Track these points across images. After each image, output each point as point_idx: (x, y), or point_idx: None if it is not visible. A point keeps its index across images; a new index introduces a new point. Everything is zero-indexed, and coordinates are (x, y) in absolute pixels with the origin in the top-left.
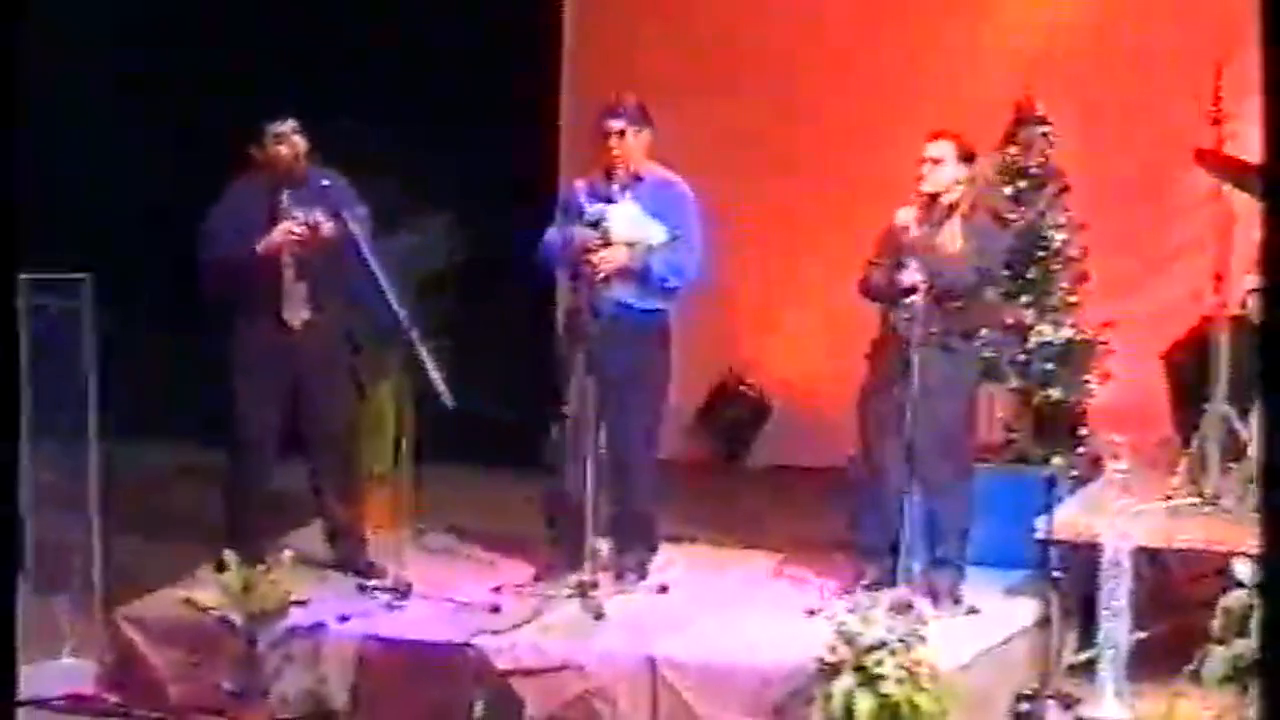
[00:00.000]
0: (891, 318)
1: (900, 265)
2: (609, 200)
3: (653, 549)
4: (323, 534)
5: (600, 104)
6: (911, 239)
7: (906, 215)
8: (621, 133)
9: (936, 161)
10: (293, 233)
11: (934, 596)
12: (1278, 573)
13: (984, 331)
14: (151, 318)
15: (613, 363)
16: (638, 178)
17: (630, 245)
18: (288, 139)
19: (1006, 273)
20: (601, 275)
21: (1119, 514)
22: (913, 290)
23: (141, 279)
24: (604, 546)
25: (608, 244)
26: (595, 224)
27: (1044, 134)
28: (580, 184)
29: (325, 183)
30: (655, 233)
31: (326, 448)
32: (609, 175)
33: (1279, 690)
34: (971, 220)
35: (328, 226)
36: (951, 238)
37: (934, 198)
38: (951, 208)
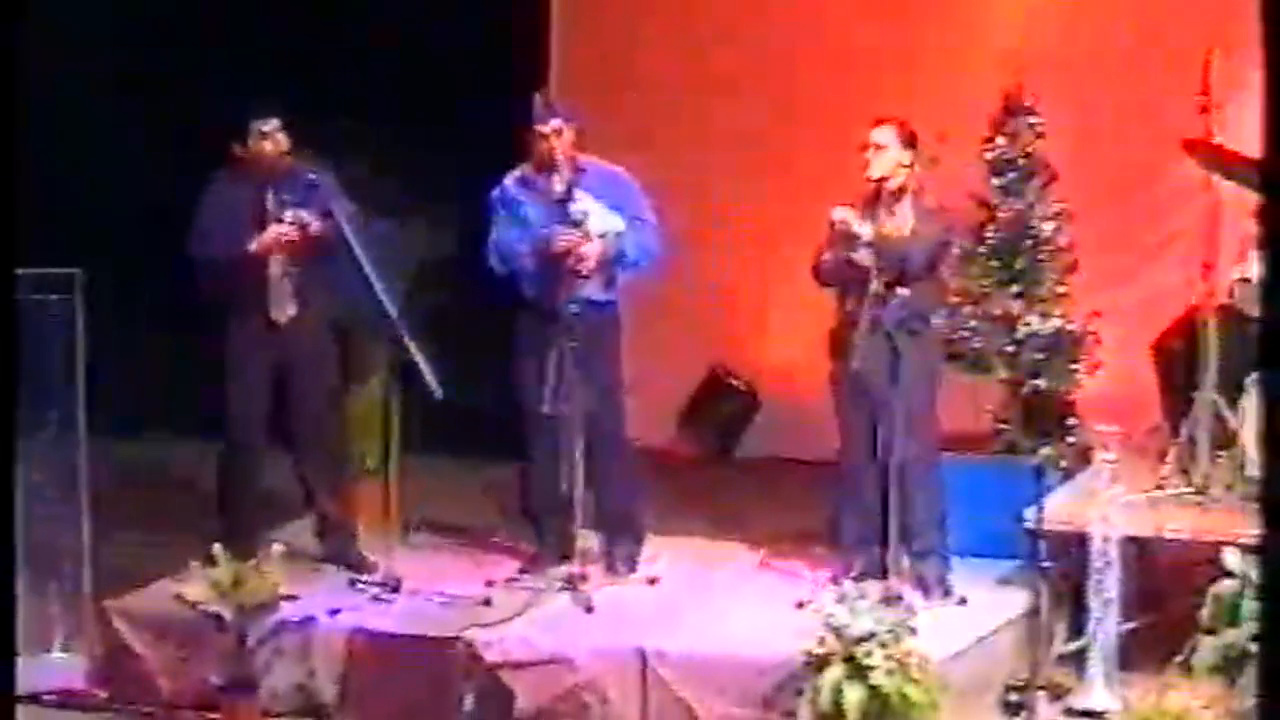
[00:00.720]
0: (847, 304)
1: (851, 249)
2: (552, 197)
3: (640, 540)
4: (313, 529)
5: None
6: (861, 224)
7: (844, 212)
8: (559, 131)
9: (880, 147)
10: (283, 234)
11: (924, 588)
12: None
13: (958, 319)
14: (146, 314)
15: (582, 357)
16: (579, 170)
17: (603, 238)
18: (271, 136)
19: (995, 262)
20: (585, 271)
21: (1108, 504)
22: (865, 272)
23: (135, 276)
24: (591, 539)
25: (583, 244)
26: (578, 223)
27: (1031, 125)
28: (510, 181)
29: (312, 177)
30: (615, 222)
31: (314, 443)
32: (547, 171)
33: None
34: (920, 201)
35: (316, 225)
36: (903, 221)
37: (880, 182)
38: (899, 191)
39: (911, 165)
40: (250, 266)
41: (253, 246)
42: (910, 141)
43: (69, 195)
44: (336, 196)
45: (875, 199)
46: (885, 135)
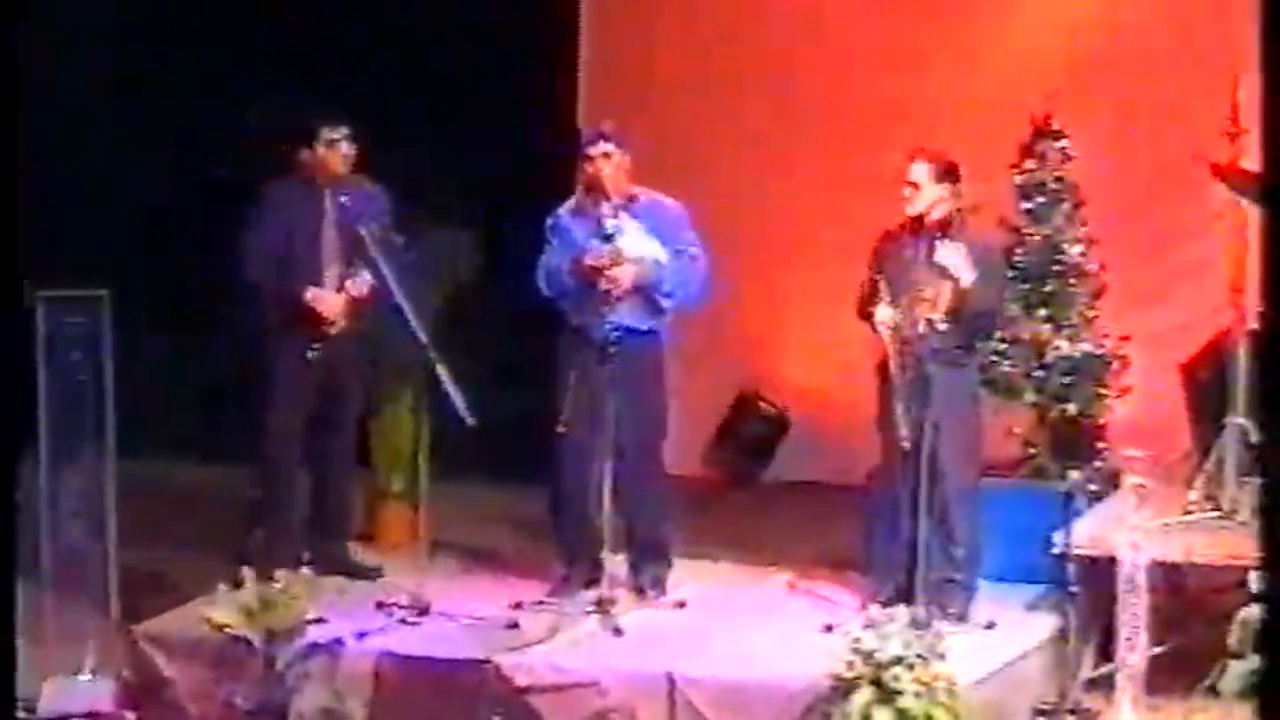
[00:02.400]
0: (893, 337)
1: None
2: (600, 224)
3: (668, 564)
4: (307, 538)
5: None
6: (899, 261)
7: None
8: (607, 155)
9: (915, 186)
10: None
11: (944, 617)
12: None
13: (990, 345)
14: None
15: (618, 384)
16: (631, 199)
17: (638, 263)
18: (340, 145)
19: (1025, 286)
20: (615, 293)
21: (1136, 528)
22: (908, 307)
23: (161, 294)
24: (620, 563)
25: (618, 261)
26: (609, 237)
27: (1060, 149)
28: (564, 211)
29: (371, 190)
30: (659, 251)
31: (344, 456)
32: (596, 199)
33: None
34: (963, 240)
35: (362, 284)
36: (957, 258)
37: (919, 219)
38: (942, 224)
39: (953, 196)
40: (305, 282)
41: (318, 306)
42: (946, 174)
43: (79, 210)
44: (383, 216)
45: (915, 234)
46: (919, 173)
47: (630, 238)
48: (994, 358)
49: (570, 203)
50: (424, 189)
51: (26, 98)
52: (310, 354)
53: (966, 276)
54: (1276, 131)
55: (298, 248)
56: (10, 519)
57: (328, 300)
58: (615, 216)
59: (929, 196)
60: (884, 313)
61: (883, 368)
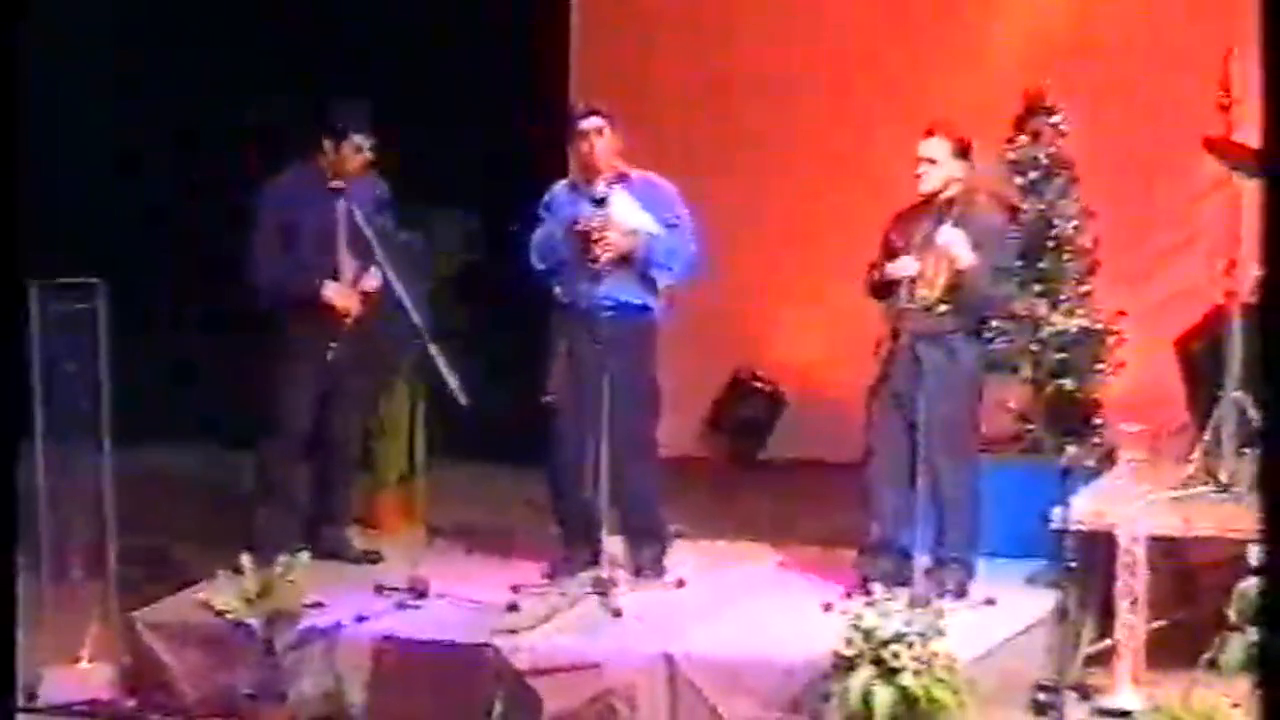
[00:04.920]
0: (889, 314)
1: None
2: (594, 195)
3: (664, 545)
4: (307, 527)
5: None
6: (911, 238)
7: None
8: (600, 130)
9: (931, 162)
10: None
11: (941, 594)
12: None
13: (992, 323)
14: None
15: (608, 359)
16: (623, 175)
17: (630, 234)
18: (365, 151)
19: (1019, 262)
20: (603, 259)
21: (1134, 503)
22: (910, 281)
23: (156, 282)
24: (617, 544)
25: (610, 227)
26: (601, 202)
27: (1053, 124)
28: (560, 186)
29: (381, 192)
30: (650, 224)
31: (349, 443)
32: (589, 176)
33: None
34: (972, 220)
35: (374, 278)
36: (957, 241)
37: (932, 196)
38: (950, 203)
39: (967, 175)
40: (320, 287)
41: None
42: (962, 151)
43: (73, 200)
44: (382, 210)
45: (926, 210)
46: (936, 148)
47: (622, 207)
48: (988, 333)
49: (565, 180)
50: (421, 173)
51: (27, 96)
52: (330, 352)
53: (965, 258)
54: (1276, 103)
55: (311, 244)
56: (11, 507)
57: (345, 296)
58: (609, 188)
59: (944, 173)
60: (905, 262)
61: (879, 345)
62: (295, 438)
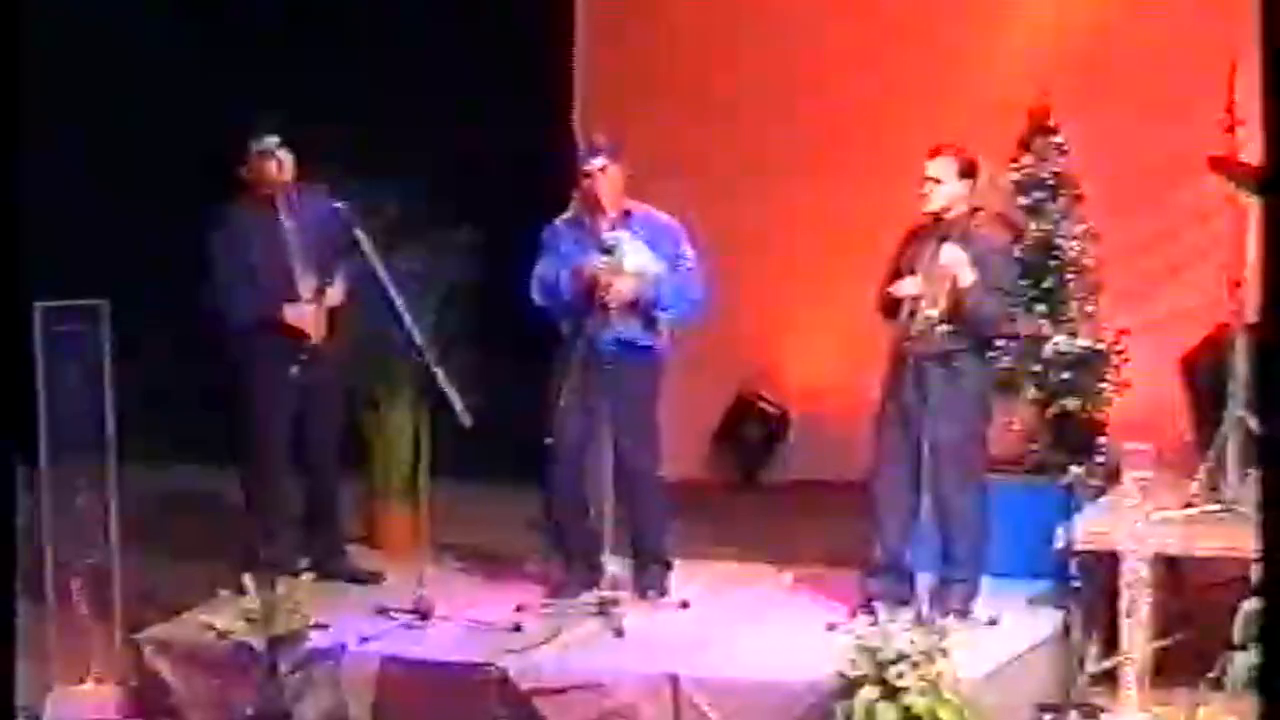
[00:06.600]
0: (895, 333)
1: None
2: (597, 237)
3: (668, 565)
4: (302, 547)
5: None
6: (918, 258)
7: (910, 286)
8: (604, 169)
9: (937, 181)
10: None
11: (945, 614)
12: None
13: (998, 343)
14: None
15: (611, 395)
16: (626, 213)
17: (637, 276)
18: (272, 155)
19: (1023, 282)
20: (613, 305)
21: (1138, 522)
22: (913, 301)
23: (156, 302)
24: (618, 565)
25: (618, 274)
26: (610, 250)
27: (1057, 144)
28: (560, 223)
29: (335, 206)
30: (655, 265)
31: (328, 462)
32: (593, 213)
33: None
34: (976, 240)
35: (338, 294)
36: (959, 260)
37: (937, 216)
38: (954, 223)
39: (972, 194)
40: (278, 296)
41: (298, 322)
42: (968, 171)
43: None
44: (358, 224)
45: (932, 230)
46: (942, 168)
47: (630, 254)
48: (992, 354)
49: (566, 214)
50: (422, 191)
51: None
52: (294, 372)
53: (966, 277)
54: (1276, 122)
55: (265, 266)
56: (10, 528)
57: (307, 315)
58: (613, 230)
59: (949, 193)
60: (907, 282)
61: (887, 366)
62: (271, 459)
